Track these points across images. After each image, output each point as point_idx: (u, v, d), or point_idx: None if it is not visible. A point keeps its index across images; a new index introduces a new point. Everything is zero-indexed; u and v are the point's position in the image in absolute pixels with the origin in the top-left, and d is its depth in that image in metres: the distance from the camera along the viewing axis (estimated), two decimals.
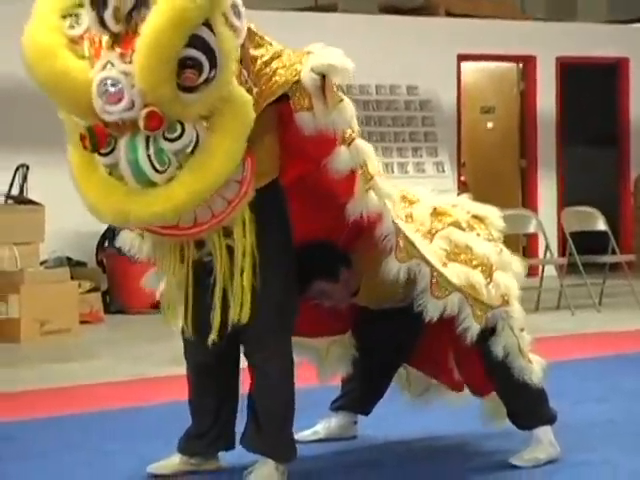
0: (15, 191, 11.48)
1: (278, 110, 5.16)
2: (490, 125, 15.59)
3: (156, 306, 5.53)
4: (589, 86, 15.39)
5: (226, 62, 4.76)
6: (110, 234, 11.11)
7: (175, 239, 5.23)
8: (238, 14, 4.88)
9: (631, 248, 14.20)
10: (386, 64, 13.58)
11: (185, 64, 4.66)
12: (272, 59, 5.12)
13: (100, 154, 4.84)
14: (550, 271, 12.78)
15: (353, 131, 5.15)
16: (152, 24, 4.64)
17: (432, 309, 5.31)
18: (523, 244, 14.34)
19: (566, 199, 14.58)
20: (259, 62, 5.11)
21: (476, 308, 5.41)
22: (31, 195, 11.35)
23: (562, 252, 13.13)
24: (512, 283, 5.66)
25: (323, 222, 5.55)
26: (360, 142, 5.18)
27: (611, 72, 15.71)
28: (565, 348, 9.42)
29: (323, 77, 4.95)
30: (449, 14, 14.98)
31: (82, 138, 4.79)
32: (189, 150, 4.80)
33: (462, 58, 14.76)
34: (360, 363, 6.13)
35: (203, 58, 4.70)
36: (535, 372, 5.64)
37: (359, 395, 6.25)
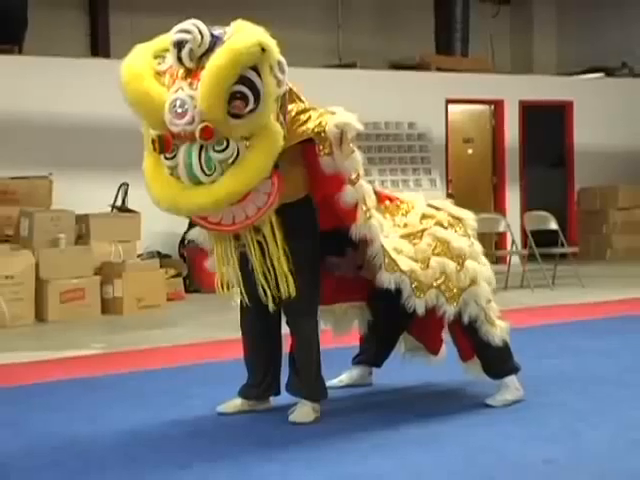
0: (119, 203, 11.51)
1: (305, 150, 5.28)
2: (470, 151, 15.55)
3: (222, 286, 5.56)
4: (543, 122, 15.32)
5: (266, 100, 4.86)
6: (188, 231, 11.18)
7: (219, 233, 5.30)
8: (282, 70, 4.95)
9: (575, 242, 14.15)
10: (393, 106, 13.57)
11: (236, 96, 4.79)
12: (304, 112, 5.26)
13: (165, 157, 4.92)
14: (515, 260, 12.75)
15: (359, 174, 5.29)
16: (214, 62, 4.79)
17: (419, 307, 5.44)
18: (495, 240, 14.32)
19: (527, 206, 14.52)
20: (294, 112, 5.23)
21: (449, 294, 5.52)
22: (130, 205, 11.37)
23: (524, 245, 13.07)
24: (480, 268, 5.71)
25: (339, 219, 5.52)
26: (363, 183, 5.33)
27: (560, 111, 15.65)
28: (526, 317, 9.37)
29: (341, 132, 5.13)
30: (439, 69, 14.94)
31: (153, 142, 4.87)
32: (230, 161, 4.87)
33: (449, 102, 14.73)
34: (373, 327, 6.23)
35: (249, 94, 4.81)
36: (499, 334, 5.71)
37: (373, 352, 6.33)
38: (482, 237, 12.08)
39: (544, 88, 15.58)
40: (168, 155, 4.92)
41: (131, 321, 9.74)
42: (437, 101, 14.43)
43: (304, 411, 5.45)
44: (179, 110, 4.82)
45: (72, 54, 12.71)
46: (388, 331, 6.28)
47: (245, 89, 4.81)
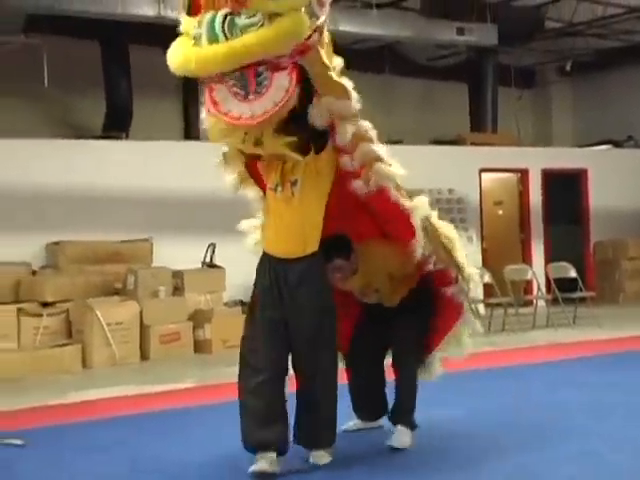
0: (207, 260, 11.57)
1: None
2: (500, 212, 15.48)
3: None
4: (563, 187, 15.21)
5: None
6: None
7: (235, 127, 4.53)
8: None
9: (592, 288, 13.95)
10: (435, 175, 13.49)
11: None
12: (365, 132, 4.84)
13: (195, 25, 4.34)
14: (541, 303, 12.60)
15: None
16: None
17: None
18: (524, 286, 14.13)
19: (550, 257, 14.38)
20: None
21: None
22: (217, 262, 11.43)
23: (548, 291, 12.92)
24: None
25: (352, 227, 5.04)
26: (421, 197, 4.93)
27: (576, 177, 15.51)
28: (552, 352, 9.29)
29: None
30: (473, 143, 14.93)
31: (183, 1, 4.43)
32: (254, 29, 4.23)
33: (482, 171, 14.66)
34: (357, 389, 5.50)
35: None
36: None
37: (369, 410, 5.63)
38: (513, 284, 12.17)
39: (562, 158, 15.47)
40: (194, 25, 4.34)
41: (219, 359, 9.70)
42: (472, 170, 14.38)
43: (321, 455, 4.88)
44: None
45: (168, 138, 12.88)
46: (373, 387, 5.52)
47: None
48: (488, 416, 6.11)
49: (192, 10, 4.36)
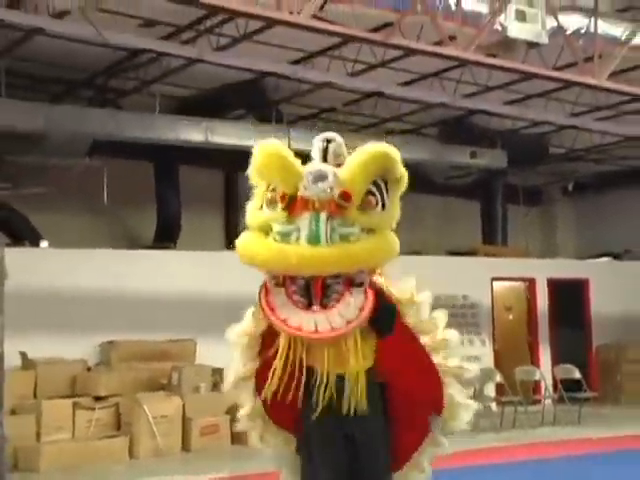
0: None
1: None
2: (510, 317, 15.34)
3: None
4: (567, 295, 15.12)
5: (393, 206, 4.00)
6: None
7: (313, 341, 3.90)
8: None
9: (596, 388, 13.70)
10: (450, 283, 13.45)
11: (369, 193, 3.91)
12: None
13: (278, 222, 3.87)
14: (548, 402, 12.39)
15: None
16: (359, 155, 3.92)
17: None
18: (532, 386, 13.90)
19: (556, 359, 14.21)
20: None
21: None
22: None
23: (555, 390, 12.75)
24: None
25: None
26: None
27: (580, 286, 15.42)
28: (560, 448, 9.13)
29: None
30: (485, 255, 14.95)
31: (282, 198, 3.86)
32: (352, 239, 3.83)
33: (494, 279, 14.61)
34: None
35: (379, 196, 3.94)
36: None
37: None
38: (522, 384, 12.02)
39: (566, 268, 15.44)
40: (286, 221, 3.85)
41: (255, 450, 9.62)
42: (484, 279, 14.33)
43: None
44: (317, 178, 3.82)
45: (212, 248, 13.02)
46: None
47: (376, 191, 3.92)
48: None
49: (292, 208, 3.83)
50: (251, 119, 12.90)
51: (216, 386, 10.58)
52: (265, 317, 3.95)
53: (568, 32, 10.49)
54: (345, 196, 3.79)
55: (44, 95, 12.03)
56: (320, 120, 13.62)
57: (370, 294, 3.87)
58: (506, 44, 9.72)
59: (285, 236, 3.83)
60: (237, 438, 10.14)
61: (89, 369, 10.41)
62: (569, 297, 15.17)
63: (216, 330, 12.85)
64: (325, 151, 3.98)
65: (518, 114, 13.43)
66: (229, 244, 14.37)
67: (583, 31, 10.61)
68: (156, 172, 13.34)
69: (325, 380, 3.88)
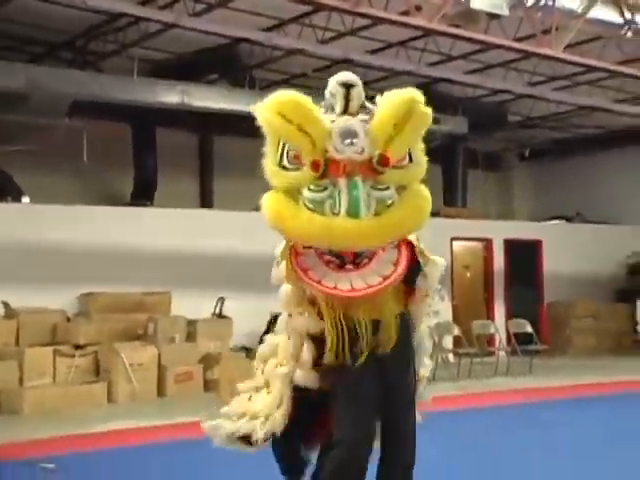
0: (217, 311, 11.55)
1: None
2: (468, 275, 15.49)
3: None
4: (521, 254, 15.31)
5: (420, 156, 3.59)
6: (265, 334, 11.05)
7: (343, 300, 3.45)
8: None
9: (546, 341, 13.94)
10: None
11: None
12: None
13: (310, 189, 3.36)
14: (502, 354, 12.58)
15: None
16: (387, 104, 3.50)
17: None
18: (487, 339, 14.07)
19: (510, 314, 14.41)
20: None
21: None
22: (225, 313, 11.43)
23: (508, 343, 12.95)
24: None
25: None
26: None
27: (533, 247, 15.60)
28: (513, 396, 9.29)
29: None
30: (446, 216, 15.00)
31: (314, 164, 3.33)
32: (389, 203, 3.42)
33: (453, 239, 14.74)
34: None
35: (409, 156, 3.51)
36: None
37: None
38: (478, 337, 12.17)
39: (521, 230, 15.60)
40: (316, 187, 3.35)
41: (225, 397, 9.68)
42: (444, 239, 14.45)
43: None
44: (347, 136, 3.33)
45: (186, 206, 12.98)
46: None
47: (409, 151, 3.52)
48: (462, 456, 6.11)
49: (327, 172, 3.32)
50: (225, 84, 12.79)
51: (191, 336, 10.64)
52: (298, 279, 3.48)
53: (528, 4, 10.50)
54: (384, 161, 3.34)
55: (25, 56, 11.84)
56: (291, 85, 13.54)
57: (403, 248, 3.53)
58: (469, 15, 9.73)
59: (319, 205, 3.35)
60: (209, 385, 10.25)
61: (69, 319, 10.39)
62: (523, 257, 15.35)
63: (190, 284, 13.06)
64: (347, 99, 3.44)
65: (479, 82, 13.45)
66: (203, 203, 14.38)
67: (542, 4, 10.61)
68: (134, 133, 13.22)
69: (364, 329, 3.46)
